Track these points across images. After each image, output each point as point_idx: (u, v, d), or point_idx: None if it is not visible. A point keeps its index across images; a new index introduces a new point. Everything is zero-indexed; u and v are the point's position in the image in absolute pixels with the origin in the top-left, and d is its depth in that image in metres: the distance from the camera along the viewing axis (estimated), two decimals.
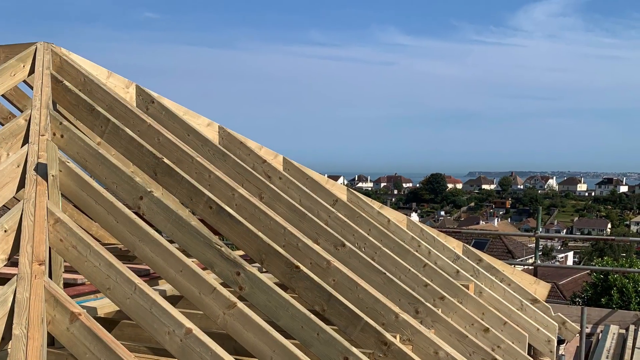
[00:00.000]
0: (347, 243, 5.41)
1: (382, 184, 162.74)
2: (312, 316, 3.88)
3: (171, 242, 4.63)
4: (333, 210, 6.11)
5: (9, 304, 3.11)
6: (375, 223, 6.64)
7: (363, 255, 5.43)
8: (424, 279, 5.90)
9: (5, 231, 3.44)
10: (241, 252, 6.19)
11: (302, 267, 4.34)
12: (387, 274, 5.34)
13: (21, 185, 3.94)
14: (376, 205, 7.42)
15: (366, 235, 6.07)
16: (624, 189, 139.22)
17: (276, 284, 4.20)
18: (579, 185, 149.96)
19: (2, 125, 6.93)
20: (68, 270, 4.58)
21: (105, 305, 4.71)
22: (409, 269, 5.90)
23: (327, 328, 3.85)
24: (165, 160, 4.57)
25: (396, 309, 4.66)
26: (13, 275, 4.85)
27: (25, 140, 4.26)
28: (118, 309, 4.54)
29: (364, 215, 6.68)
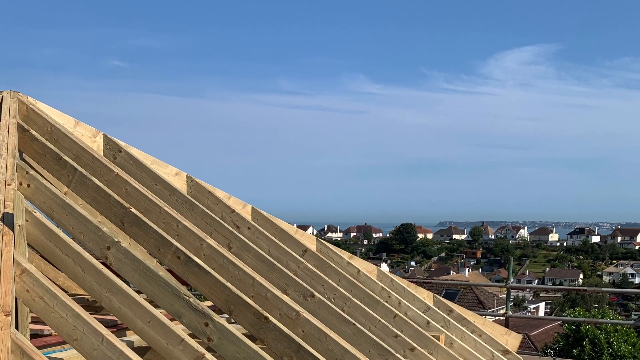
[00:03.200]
0: (316, 294, 5.42)
1: (352, 234, 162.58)
2: None
3: (139, 292, 4.59)
4: (302, 260, 6.13)
5: None
6: (344, 273, 6.66)
7: (333, 305, 5.44)
8: (394, 329, 5.91)
9: None
10: (209, 303, 6.14)
11: (271, 317, 4.34)
12: (357, 324, 5.34)
13: None
14: (346, 255, 7.45)
15: (336, 285, 6.09)
16: (596, 239, 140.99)
17: (245, 334, 4.18)
18: (550, 235, 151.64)
19: None
20: (35, 321, 4.50)
21: (72, 357, 4.61)
22: (379, 320, 5.91)
23: None
24: (133, 210, 4.58)
25: None
26: None
27: None
28: None
29: (333, 265, 6.71)
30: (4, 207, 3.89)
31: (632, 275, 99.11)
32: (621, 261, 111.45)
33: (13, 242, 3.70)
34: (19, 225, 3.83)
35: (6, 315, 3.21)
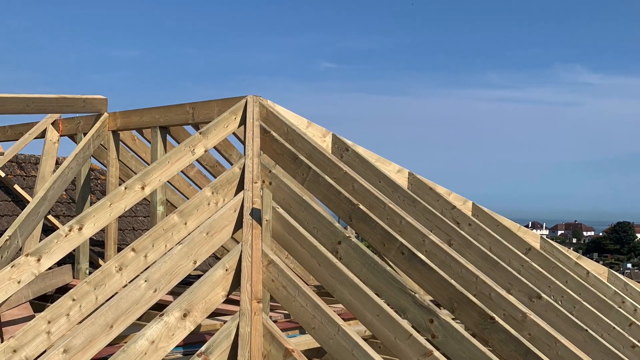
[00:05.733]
0: (543, 295, 5.17)
1: (559, 232, 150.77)
2: None
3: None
4: (526, 259, 5.88)
5: (232, 338, 3.44)
6: (572, 274, 6.25)
7: (561, 308, 5.14)
8: (631, 339, 5.40)
9: (226, 270, 3.82)
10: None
11: (496, 318, 4.23)
12: (589, 331, 4.99)
13: (237, 228, 4.35)
14: (573, 255, 6.99)
15: (563, 287, 5.74)
16: None
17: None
18: None
19: (209, 172, 7.72)
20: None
21: (299, 343, 4.93)
22: (613, 327, 5.45)
23: None
24: (361, 206, 4.75)
25: None
26: (226, 310, 5.31)
27: (239, 187, 4.69)
28: (310, 348, 4.78)
29: (560, 265, 6.33)
30: (252, 203, 4.29)
31: None
32: None
33: (261, 235, 4.08)
34: (267, 220, 4.19)
35: (258, 302, 3.55)
